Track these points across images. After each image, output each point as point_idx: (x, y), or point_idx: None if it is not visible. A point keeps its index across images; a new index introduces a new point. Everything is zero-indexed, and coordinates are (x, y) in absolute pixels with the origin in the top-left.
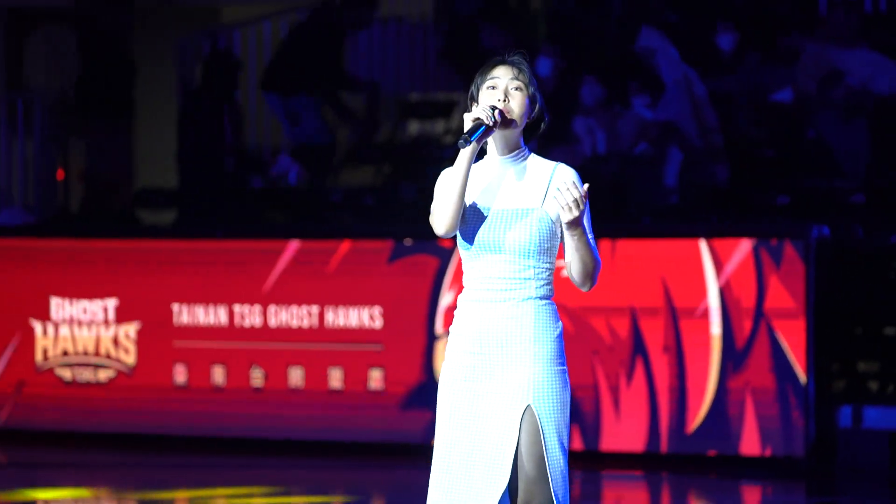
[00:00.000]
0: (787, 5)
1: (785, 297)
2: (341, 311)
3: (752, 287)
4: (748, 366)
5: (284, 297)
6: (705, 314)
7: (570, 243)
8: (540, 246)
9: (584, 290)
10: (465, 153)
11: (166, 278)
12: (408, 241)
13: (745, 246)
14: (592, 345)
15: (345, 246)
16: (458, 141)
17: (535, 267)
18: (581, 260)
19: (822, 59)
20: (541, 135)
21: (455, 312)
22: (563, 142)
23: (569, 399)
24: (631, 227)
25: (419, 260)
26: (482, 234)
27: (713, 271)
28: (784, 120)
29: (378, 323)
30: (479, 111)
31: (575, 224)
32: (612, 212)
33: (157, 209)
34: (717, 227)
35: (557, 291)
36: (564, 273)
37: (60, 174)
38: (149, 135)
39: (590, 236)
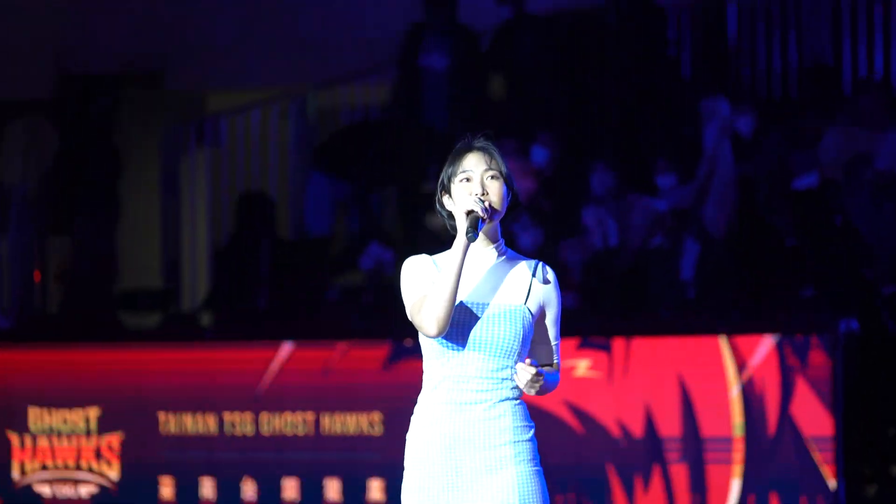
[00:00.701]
0: (808, 87)
1: (811, 396)
2: (338, 416)
3: (776, 386)
4: (773, 470)
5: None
6: (727, 415)
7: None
8: (522, 345)
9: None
10: (460, 247)
11: (152, 385)
12: (408, 342)
13: (768, 342)
14: (606, 448)
15: (341, 348)
16: (466, 234)
17: (510, 367)
18: (542, 393)
19: (847, 141)
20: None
21: (415, 418)
22: (572, 233)
23: (548, 500)
24: (646, 324)
25: (420, 361)
26: (459, 330)
27: (734, 369)
28: (809, 206)
29: (378, 429)
30: (472, 203)
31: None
32: (626, 307)
33: (142, 312)
34: (739, 323)
35: (569, 390)
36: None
37: (37, 275)
38: (132, 231)
39: (551, 342)
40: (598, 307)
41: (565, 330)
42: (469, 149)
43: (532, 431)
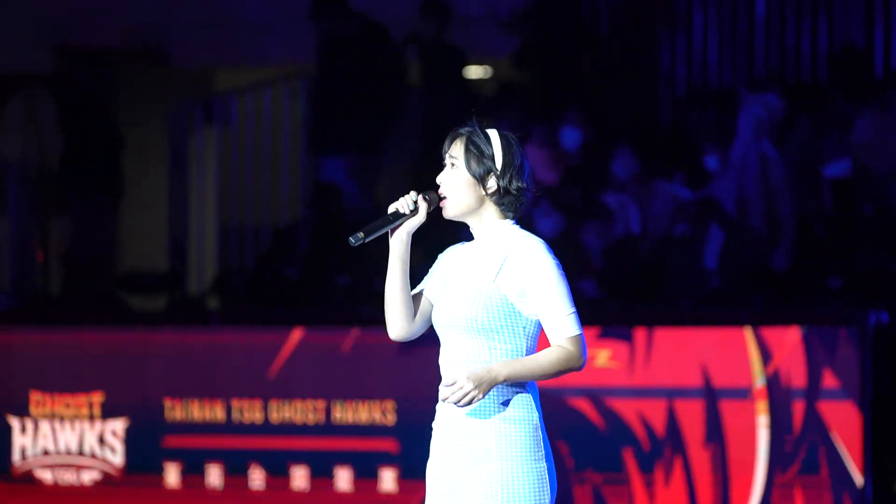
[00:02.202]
0: (838, 71)
1: (839, 389)
2: (350, 405)
3: (802, 378)
4: (798, 465)
5: (287, 390)
6: (751, 408)
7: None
8: (489, 324)
9: (576, 371)
10: (393, 248)
11: (157, 370)
12: None
13: (794, 333)
14: (626, 440)
15: (353, 334)
16: (350, 237)
17: (491, 349)
18: (537, 379)
19: (879, 129)
20: (519, 207)
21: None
22: (595, 217)
23: (550, 498)
24: (670, 314)
25: (435, 348)
26: (435, 313)
27: (760, 361)
28: (839, 194)
29: (391, 418)
30: (401, 199)
31: (490, 388)
32: (648, 296)
33: (146, 294)
34: (764, 313)
35: (588, 381)
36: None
37: (40, 255)
38: (137, 212)
39: (546, 314)
40: (619, 296)
41: (585, 318)
42: (451, 136)
43: (531, 422)
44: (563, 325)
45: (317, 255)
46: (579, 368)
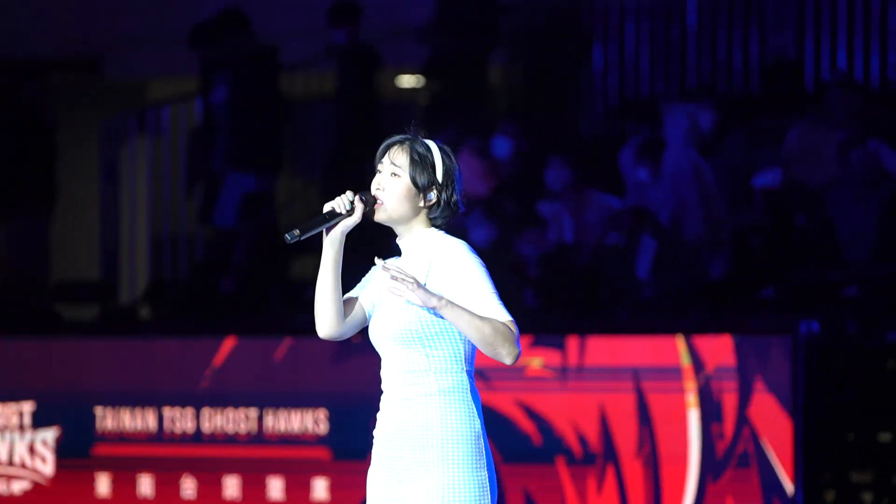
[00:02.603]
0: (770, 83)
1: (770, 399)
2: (282, 413)
3: (733, 388)
4: (730, 472)
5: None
6: (682, 417)
7: (450, 320)
8: (424, 331)
9: (506, 363)
10: (327, 247)
11: (89, 380)
12: (356, 339)
13: (726, 342)
14: (559, 449)
15: (286, 343)
16: (286, 234)
17: (429, 356)
18: (471, 334)
19: (810, 140)
20: (450, 217)
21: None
22: (531, 224)
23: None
24: (602, 323)
25: (368, 358)
26: (371, 325)
27: (691, 370)
28: (772, 205)
29: (323, 427)
30: (337, 199)
31: (425, 302)
32: (582, 305)
33: (78, 303)
34: (697, 323)
35: (521, 389)
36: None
37: None
38: (70, 221)
39: (475, 305)
40: (553, 304)
41: (520, 327)
42: (389, 145)
43: (472, 431)
44: (497, 311)
45: (250, 266)
46: (514, 354)
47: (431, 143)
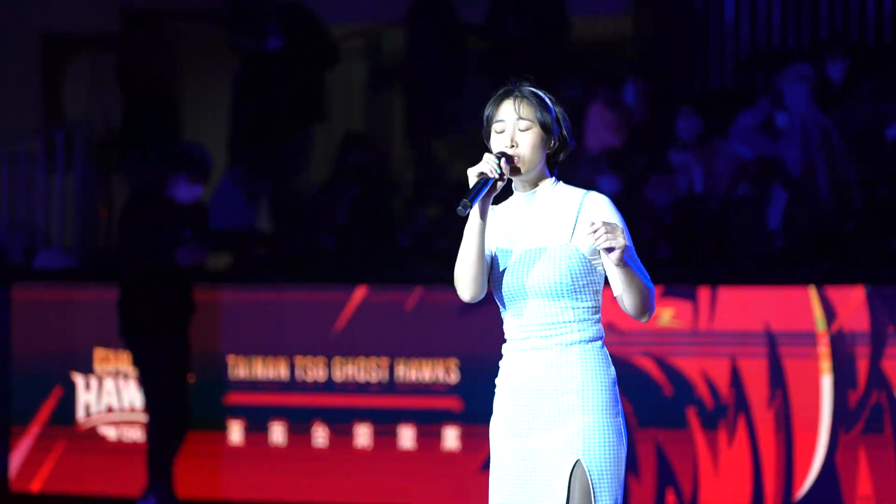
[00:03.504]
0: None
1: None
2: (413, 363)
3: (866, 338)
4: (863, 424)
5: (351, 348)
6: (815, 367)
7: (618, 277)
8: (573, 284)
9: (643, 320)
10: (477, 216)
11: (221, 328)
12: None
13: (858, 293)
14: (689, 398)
15: (416, 293)
16: (458, 207)
17: (574, 308)
18: (632, 292)
19: None
20: (566, 161)
21: (500, 363)
22: (661, 170)
23: (625, 453)
24: (733, 273)
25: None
26: (509, 278)
27: (824, 320)
28: None
29: (454, 377)
30: (484, 164)
31: (619, 258)
32: (711, 256)
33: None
34: (828, 273)
35: (652, 340)
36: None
37: (103, 213)
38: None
39: (634, 262)
40: (682, 255)
41: (651, 276)
42: (506, 96)
43: (611, 377)
44: (642, 269)
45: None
46: (650, 314)
47: (540, 92)
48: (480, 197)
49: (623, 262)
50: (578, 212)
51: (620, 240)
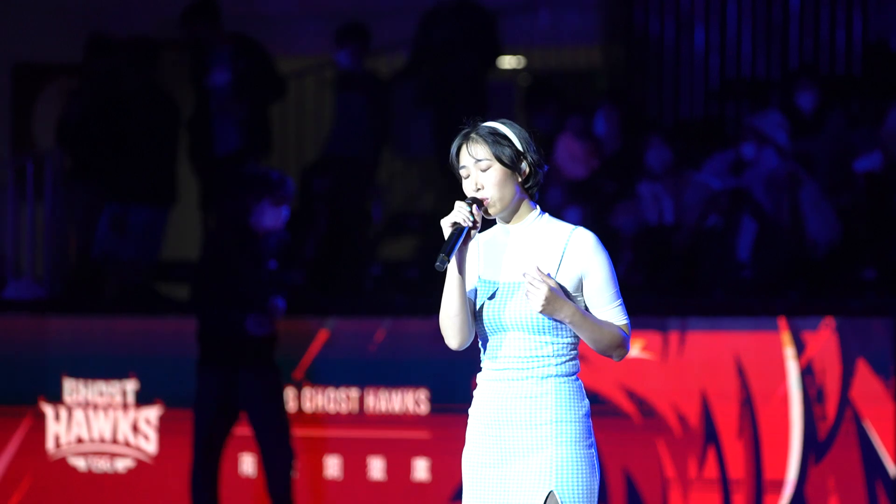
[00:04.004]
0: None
1: (873, 380)
2: (383, 394)
3: (836, 370)
4: (832, 457)
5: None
6: (784, 399)
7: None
8: (554, 320)
9: (614, 360)
10: (459, 268)
11: (191, 357)
12: None
13: (828, 324)
14: (660, 432)
15: (387, 323)
16: (436, 262)
17: (553, 343)
18: (586, 340)
19: None
20: (538, 185)
21: (474, 392)
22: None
23: (597, 485)
24: (702, 304)
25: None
26: (490, 310)
27: (793, 352)
28: (871, 187)
29: (424, 408)
30: (456, 213)
31: (547, 312)
32: (681, 287)
33: (179, 282)
34: (797, 304)
35: (621, 372)
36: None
37: (73, 243)
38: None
39: (600, 305)
40: (652, 285)
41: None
42: (461, 140)
43: (583, 411)
44: (616, 314)
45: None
46: (623, 356)
47: (491, 123)
48: (457, 248)
49: (553, 314)
50: (565, 249)
51: (539, 298)
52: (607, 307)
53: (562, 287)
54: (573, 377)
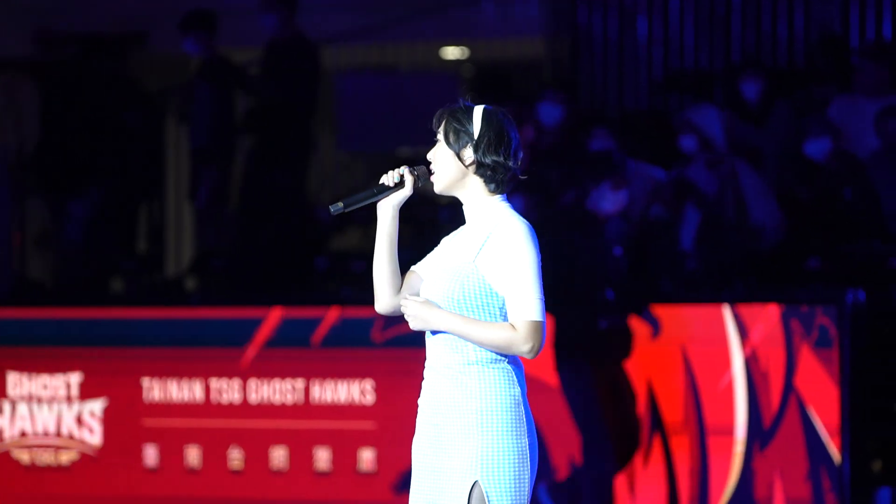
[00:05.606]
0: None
1: (817, 368)
2: (329, 385)
3: (780, 358)
4: (777, 445)
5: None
6: (729, 388)
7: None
8: (466, 302)
9: (527, 357)
10: (379, 220)
11: (135, 350)
12: None
13: (773, 312)
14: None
15: (333, 314)
16: (330, 206)
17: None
18: (477, 344)
19: (854, 111)
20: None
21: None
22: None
23: (530, 474)
24: (648, 294)
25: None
26: (422, 291)
27: (738, 340)
28: (817, 176)
29: (370, 398)
30: (388, 174)
31: (420, 328)
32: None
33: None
34: (742, 293)
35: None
36: None
37: (17, 238)
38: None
39: (511, 296)
40: None
41: None
42: (437, 116)
43: (511, 399)
44: (524, 308)
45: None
46: (527, 354)
47: (477, 107)
48: (363, 204)
49: (426, 325)
50: (487, 238)
51: (408, 317)
52: (518, 298)
53: (480, 275)
54: (500, 363)
